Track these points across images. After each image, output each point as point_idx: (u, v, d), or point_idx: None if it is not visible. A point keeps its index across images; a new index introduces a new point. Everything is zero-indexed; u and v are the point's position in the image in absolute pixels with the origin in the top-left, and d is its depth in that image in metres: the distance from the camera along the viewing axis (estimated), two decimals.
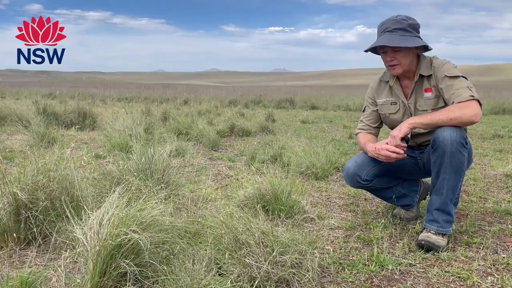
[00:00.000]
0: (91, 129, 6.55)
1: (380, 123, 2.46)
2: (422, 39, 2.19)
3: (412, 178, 2.49)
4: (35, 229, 1.94)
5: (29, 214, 1.95)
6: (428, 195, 2.43)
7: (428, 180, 2.43)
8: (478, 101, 2.02)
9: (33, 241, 1.97)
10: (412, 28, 2.17)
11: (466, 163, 2.05)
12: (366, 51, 2.26)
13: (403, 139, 2.09)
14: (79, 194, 2.03)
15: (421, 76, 2.23)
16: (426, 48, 2.22)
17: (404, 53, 2.17)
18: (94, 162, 3.61)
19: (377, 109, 2.42)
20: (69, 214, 1.68)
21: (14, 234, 1.95)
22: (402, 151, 2.10)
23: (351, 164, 2.32)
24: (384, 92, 2.38)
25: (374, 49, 2.27)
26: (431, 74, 2.19)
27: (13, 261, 1.81)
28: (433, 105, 2.20)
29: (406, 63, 2.20)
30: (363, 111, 2.51)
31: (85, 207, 1.72)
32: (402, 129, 2.08)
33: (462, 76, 2.10)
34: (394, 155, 2.10)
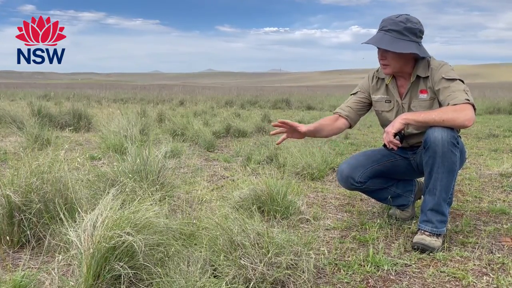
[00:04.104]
0: (86, 131, 6.52)
1: (364, 113, 2.44)
2: (419, 44, 2.15)
3: (407, 178, 2.50)
4: (28, 232, 1.93)
5: (23, 217, 1.93)
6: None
7: (423, 179, 2.44)
8: (473, 105, 2.01)
9: (27, 244, 1.95)
10: (409, 32, 2.11)
11: (458, 163, 2.05)
12: (363, 43, 2.24)
13: (396, 135, 2.09)
14: (73, 196, 2.02)
15: (418, 77, 2.22)
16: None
17: (394, 55, 2.15)
18: (88, 163, 3.59)
19: (370, 103, 2.41)
20: (62, 217, 1.66)
21: (7, 237, 1.94)
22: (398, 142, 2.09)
23: (344, 167, 2.32)
24: (381, 89, 2.36)
25: None
26: (428, 76, 2.18)
27: (6, 264, 1.79)
28: (427, 107, 2.20)
29: (396, 65, 2.18)
30: (355, 94, 2.44)
31: (79, 209, 1.71)
32: (395, 124, 2.07)
33: (459, 79, 2.09)
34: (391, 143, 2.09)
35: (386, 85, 2.34)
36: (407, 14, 2.18)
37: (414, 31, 2.13)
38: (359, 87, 2.45)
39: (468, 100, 2.00)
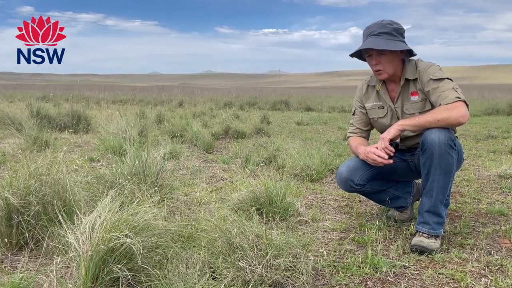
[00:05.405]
0: (85, 132, 6.52)
1: (371, 125, 2.46)
2: (406, 44, 2.21)
3: (405, 180, 2.50)
4: (27, 234, 1.92)
5: (21, 219, 1.93)
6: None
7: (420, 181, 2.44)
8: (465, 102, 2.03)
9: (25, 246, 1.95)
10: (397, 32, 2.18)
11: (455, 164, 2.06)
12: (351, 55, 2.28)
13: (391, 143, 2.10)
14: (72, 198, 2.01)
15: (406, 80, 2.24)
16: (410, 53, 2.23)
17: (389, 57, 2.19)
18: (87, 165, 3.59)
19: (366, 112, 2.42)
20: (61, 219, 1.66)
21: (6, 239, 1.93)
22: (386, 156, 2.11)
23: (344, 169, 2.32)
24: (372, 96, 2.39)
25: (360, 55, 2.28)
26: (417, 78, 2.21)
27: (4, 267, 1.79)
28: (420, 109, 2.22)
29: (390, 67, 2.21)
30: (353, 114, 2.51)
31: (78, 212, 1.70)
32: (391, 131, 2.10)
33: (447, 78, 2.12)
34: (379, 159, 2.12)
35: (377, 91, 2.36)
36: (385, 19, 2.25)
37: (400, 32, 2.21)
38: (354, 104, 2.50)
39: (458, 97, 2.03)
